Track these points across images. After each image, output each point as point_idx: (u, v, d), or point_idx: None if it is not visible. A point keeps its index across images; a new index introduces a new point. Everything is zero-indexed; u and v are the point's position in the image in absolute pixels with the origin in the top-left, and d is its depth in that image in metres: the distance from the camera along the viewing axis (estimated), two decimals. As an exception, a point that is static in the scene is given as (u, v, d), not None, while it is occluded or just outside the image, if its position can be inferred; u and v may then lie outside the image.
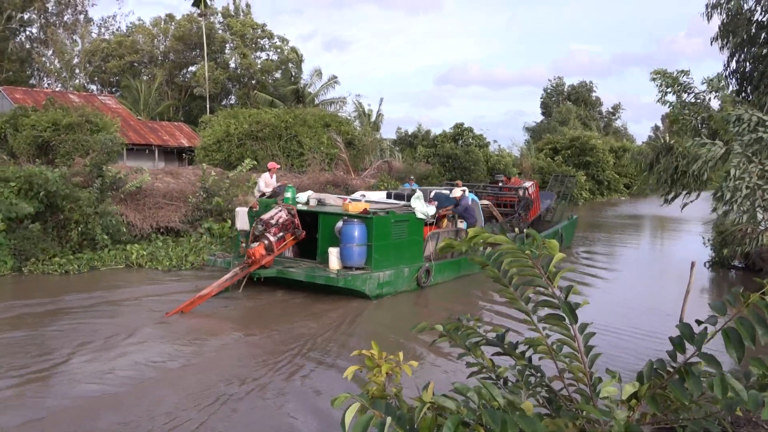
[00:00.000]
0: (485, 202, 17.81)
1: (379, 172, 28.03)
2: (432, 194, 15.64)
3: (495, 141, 45.57)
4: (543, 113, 73.95)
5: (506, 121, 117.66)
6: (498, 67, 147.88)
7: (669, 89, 12.65)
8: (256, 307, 11.31)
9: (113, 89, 49.40)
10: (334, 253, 12.20)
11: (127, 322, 9.92)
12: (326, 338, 9.49)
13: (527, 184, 20.80)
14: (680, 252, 20.40)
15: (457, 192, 14.95)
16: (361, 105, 43.04)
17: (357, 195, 15.70)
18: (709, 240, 17.88)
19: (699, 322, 2.23)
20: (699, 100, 12.81)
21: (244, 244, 13.08)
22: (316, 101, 43.74)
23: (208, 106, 46.21)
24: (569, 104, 71.55)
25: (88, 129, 22.53)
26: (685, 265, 11.48)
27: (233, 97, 51.19)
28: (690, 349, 2.24)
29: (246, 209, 13.63)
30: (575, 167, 44.61)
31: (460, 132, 38.24)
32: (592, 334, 2.78)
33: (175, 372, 7.75)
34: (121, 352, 8.43)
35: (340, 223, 12.40)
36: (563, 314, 2.58)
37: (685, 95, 12.79)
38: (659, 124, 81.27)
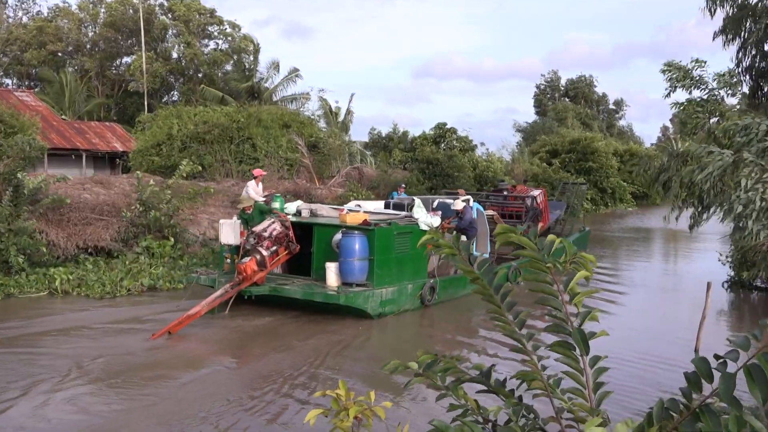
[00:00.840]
0: (490, 212, 18.42)
1: (348, 181, 28.10)
2: (435, 204, 16.32)
3: (482, 144, 46.04)
4: (537, 111, 75.08)
5: (495, 121, 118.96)
6: (486, 59, 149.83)
7: (679, 84, 12.88)
8: (243, 329, 11.78)
9: (32, 83, 48.76)
10: (332, 268, 12.72)
11: (56, 360, 9.78)
12: (320, 365, 9.74)
13: (535, 192, 21.66)
14: (695, 270, 20.81)
15: (459, 204, 15.41)
16: (326, 102, 43.19)
17: (351, 205, 16.33)
18: (727, 257, 18.20)
19: (717, 357, 2.26)
20: (712, 98, 13.06)
21: (228, 260, 13.55)
22: (274, 98, 43.73)
23: (146, 103, 45.88)
24: (566, 101, 72.78)
25: (2, 130, 22.21)
26: (701, 285, 11.66)
27: (176, 93, 50.93)
28: (707, 387, 2.27)
29: (231, 221, 14.05)
30: (576, 174, 45.21)
31: (442, 133, 38.56)
32: (604, 370, 2.80)
33: (121, 417, 7.60)
34: (56, 397, 8.17)
35: (338, 236, 13.04)
36: (573, 343, 2.60)
37: (696, 92, 13.05)
38: (669, 124, 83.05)
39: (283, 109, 34.92)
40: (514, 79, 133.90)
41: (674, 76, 12.86)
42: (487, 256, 17.45)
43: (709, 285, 10.15)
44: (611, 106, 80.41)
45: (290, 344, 10.88)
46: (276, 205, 14.41)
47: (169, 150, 27.25)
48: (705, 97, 13.11)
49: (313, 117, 38.62)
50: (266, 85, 44.97)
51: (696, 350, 9.94)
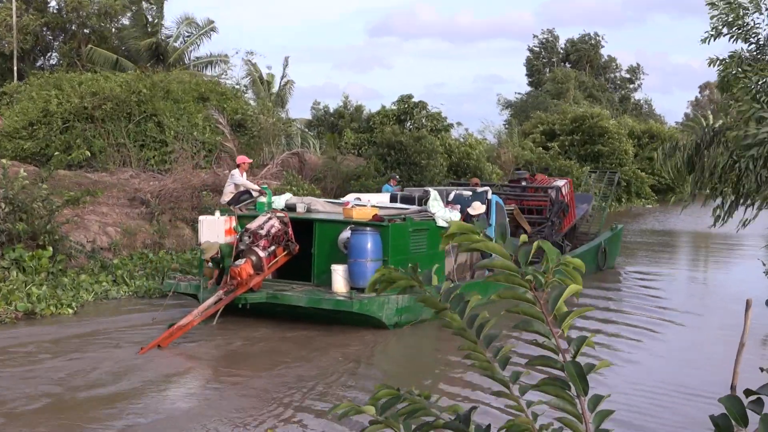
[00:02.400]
0: (510, 207, 19.74)
1: (286, 171, 28.05)
2: (451, 197, 17.70)
3: (459, 123, 46.07)
4: (529, 81, 75.93)
5: (476, 93, 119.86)
6: (462, 13, 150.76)
7: (725, 28, 12.68)
8: (234, 343, 13.15)
9: None
10: (339, 271, 14.03)
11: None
12: (330, 384, 10.64)
13: (560, 182, 22.82)
14: (732, 284, 21.39)
15: (478, 207, 16.85)
16: (256, 68, 42.99)
17: (350, 198, 17.55)
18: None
19: (749, 393, 2.31)
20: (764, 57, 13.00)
21: (210, 264, 14.77)
22: (186, 61, 43.37)
23: (15, 69, 45.12)
24: (567, 68, 73.71)
25: None
26: (739, 303, 11.96)
27: (55, 55, 50.17)
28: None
29: (213, 218, 15.20)
30: (580, 161, 45.84)
31: (407, 109, 38.70)
32: (608, 413, 2.83)
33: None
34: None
35: (345, 233, 14.54)
36: (569, 380, 2.59)
37: (743, 45, 12.89)
38: (700, 96, 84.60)
39: (199, 76, 34.67)
40: (499, 39, 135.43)
41: (722, 16, 12.58)
42: None
43: (748, 303, 10.32)
44: (624, 74, 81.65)
45: (290, 361, 12.01)
46: (263, 199, 15.88)
47: (45, 131, 26.83)
48: (754, 52, 12.99)
49: (238, 87, 38.53)
50: (175, 44, 44.57)
51: (732, 387, 10.18)
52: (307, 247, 14.91)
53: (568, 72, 70.79)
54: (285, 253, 14.70)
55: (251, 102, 37.01)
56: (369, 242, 13.99)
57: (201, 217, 15.55)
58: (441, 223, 15.57)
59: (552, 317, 2.58)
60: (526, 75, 77.00)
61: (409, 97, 39.36)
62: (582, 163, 44.84)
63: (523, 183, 23.19)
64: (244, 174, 18.25)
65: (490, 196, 17.88)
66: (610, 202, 29.09)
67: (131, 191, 22.18)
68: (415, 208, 16.61)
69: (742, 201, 13.16)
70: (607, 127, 48.21)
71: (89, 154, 24.08)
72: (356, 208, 15.11)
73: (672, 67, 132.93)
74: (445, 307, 2.80)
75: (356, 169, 30.71)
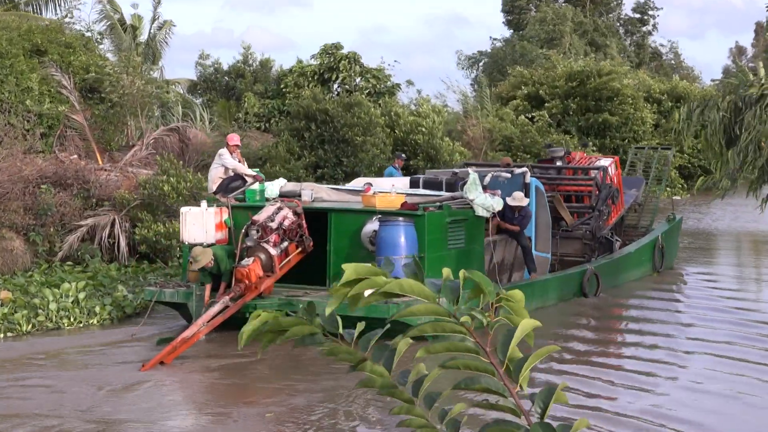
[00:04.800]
0: (551, 193, 21.69)
1: (161, 154, 27.71)
2: (486, 180, 19.18)
3: (409, 83, 45.86)
4: (507, 22, 76.34)
5: (432, 41, 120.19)
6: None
7: None
8: (233, 360, 15.24)
9: None
10: None
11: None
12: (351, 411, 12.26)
13: (605, 161, 24.61)
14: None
15: (520, 198, 18.56)
16: (115, 6, 42.55)
17: (358, 185, 19.69)
18: None
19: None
20: None
21: (192, 265, 16.34)
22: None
23: None
24: (560, 4, 74.20)
25: None
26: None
27: None
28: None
29: (199, 210, 17.11)
30: (580, 134, 46.11)
31: (333, 63, 38.65)
32: None
33: None
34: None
35: (371, 226, 16.46)
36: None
37: None
38: (744, 42, 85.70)
39: (32, 20, 34.16)
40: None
41: None
42: (548, 257, 21.20)
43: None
44: (632, 13, 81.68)
45: (304, 380, 13.78)
46: (256, 186, 18.07)
47: None
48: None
49: (89, 35, 38.20)
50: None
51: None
52: (318, 243, 16.81)
53: (563, 9, 71.09)
54: (298, 250, 16.67)
55: (109, 56, 36.58)
56: (401, 235, 15.74)
57: (183, 209, 17.39)
58: (480, 212, 17.51)
59: (504, 369, 2.61)
60: (503, 13, 77.34)
61: (337, 47, 39.37)
62: (583, 138, 45.12)
63: (558, 163, 24.55)
64: (235, 156, 19.81)
65: (528, 179, 19.57)
66: (664, 187, 31.27)
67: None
68: (446, 194, 18.35)
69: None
70: (619, 87, 48.43)
71: None
72: (379, 195, 16.87)
73: (703, 1, 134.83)
74: (363, 359, 2.85)
75: (261, 151, 30.73)
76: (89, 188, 23.91)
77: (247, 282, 15.37)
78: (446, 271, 2.79)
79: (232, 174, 19.49)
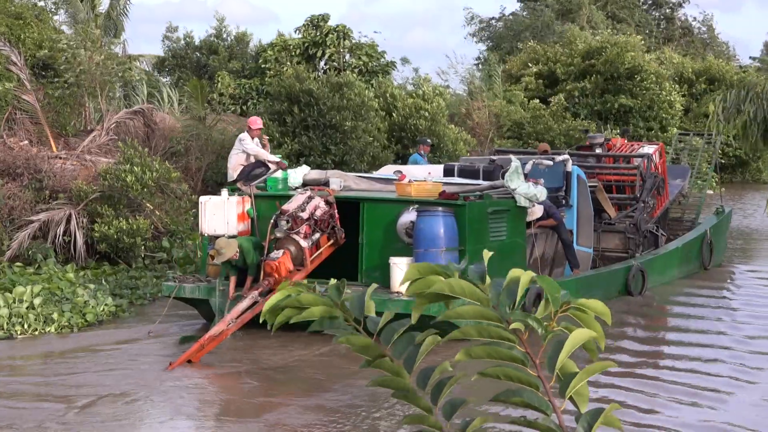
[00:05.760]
0: (593, 183, 22.46)
1: (123, 140, 27.67)
2: (528, 168, 20.01)
3: (405, 61, 45.73)
4: (517, -7, 76.05)
5: (432, 14, 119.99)
6: None
7: None
8: (264, 360, 16.57)
9: None
10: (402, 265, 16.20)
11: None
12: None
13: (648, 148, 25.49)
14: None
15: (531, 213, 19.02)
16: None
17: (385, 172, 21.00)
18: None
19: None
20: None
21: (215, 258, 17.14)
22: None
23: None
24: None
25: None
26: None
27: None
28: None
29: (220, 199, 18.01)
30: (598, 119, 45.90)
31: (319, 38, 38.60)
32: None
33: None
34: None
35: (408, 216, 17.31)
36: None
37: None
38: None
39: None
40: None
41: None
42: (590, 252, 21.95)
43: None
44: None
45: (336, 385, 14.67)
46: (278, 174, 18.96)
47: None
48: None
49: (42, 5, 38.11)
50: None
51: None
52: (347, 235, 17.72)
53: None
54: (330, 242, 17.50)
55: (65, 29, 36.55)
56: (441, 227, 16.51)
57: (203, 198, 18.23)
58: (523, 202, 18.20)
59: (553, 380, 2.64)
60: (512, -18, 77.20)
61: (323, 18, 39.34)
62: (599, 124, 44.92)
63: (598, 150, 25.20)
64: (257, 140, 20.56)
65: (570, 167, 20.40)
66: (711, 178, 32.20)
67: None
68: (486, 183, 19.30)
69: None
70: (642, 65, 48.03)
71: None
72: (414, 184, 17.80)
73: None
74: (381, 354, 2.80)
75: (232, 138, 30.52)
76: (42, 179, 23.92)
77: (276, 276, 16.09)
78: (486, 254, 2.92)
79: (254, 160, 20.20)
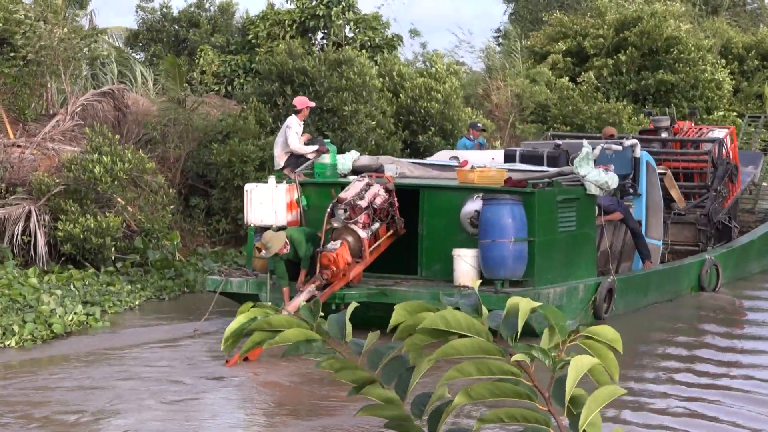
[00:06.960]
0: (662, 170, 23.20)
1: (90, 125, 27.77)
2: (596, 153, 20.23)
3: (414, 33, 45.46)
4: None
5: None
6: None
7: None
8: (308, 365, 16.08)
9: None
10: (467, 257, 17.11)
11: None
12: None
13: (719, 133, 26.05)
14: None
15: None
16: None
17: (440, 157, 22.40)
18: None
19: None
20: None
21: (263, 252, 17.72)
22: None
23: None
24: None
25: None
26: None
27: None
28: None
29: (267, 187, 18.71)
30: (633, 101, 45.86)
31: (316, 9, 38.65)
32: None
33: None
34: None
35: (473, 205, 18.04)
36: None
37: None
38: None
39: None
40: None
41: None
42: (659, 244, 22.63)
43: None
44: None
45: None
46: (325, 159, 19.57)
47: None
48: None
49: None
50: None
51: None
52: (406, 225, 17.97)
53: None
54: (389, 233, 17.86)
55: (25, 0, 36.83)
56: (508, 216, 17.01)
57: (249, 186, 18.79)
58: (593, 190, 18.61)
59: (564, 413, 2.75)
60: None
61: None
62: (636, 106, 44.70)
63: (664, 134, 25.80)
64: (302, 125, 21.28)
65: (638, 152, 21.11)
66: None
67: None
68: (553, 170, 19.61)
69: None
70: (680, 36, 47.55)
71: None
72: (477, 171, 18.14)
73: None
74: (368, 380, 2.89)
75: (223, 122, 30.92)
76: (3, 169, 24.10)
77: (334, 269, 16.76)
78: (512, 302, 2.82)
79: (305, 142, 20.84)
